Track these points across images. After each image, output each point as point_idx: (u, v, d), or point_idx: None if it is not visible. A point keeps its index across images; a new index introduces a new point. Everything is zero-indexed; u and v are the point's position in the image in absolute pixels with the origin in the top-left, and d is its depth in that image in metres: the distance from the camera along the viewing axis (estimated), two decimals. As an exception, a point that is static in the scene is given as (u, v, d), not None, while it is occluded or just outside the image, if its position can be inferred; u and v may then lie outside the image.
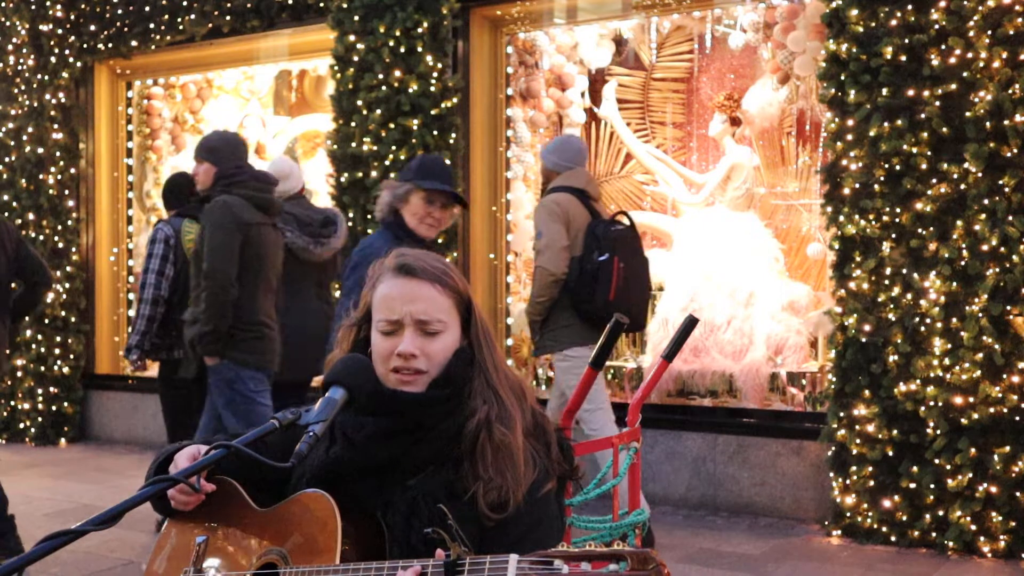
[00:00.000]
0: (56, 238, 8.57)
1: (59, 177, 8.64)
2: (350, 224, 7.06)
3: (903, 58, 5.30)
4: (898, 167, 5.30)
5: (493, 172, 7.25)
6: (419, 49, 6.84)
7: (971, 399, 5.08)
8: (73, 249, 8.65)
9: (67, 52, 8.66)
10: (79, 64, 8.68)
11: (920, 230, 5.25)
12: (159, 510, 1.91)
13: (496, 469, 1.73)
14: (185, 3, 8.03)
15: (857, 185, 5.40)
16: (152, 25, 8.22)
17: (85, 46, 8.61)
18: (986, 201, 5.08)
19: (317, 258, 5.62)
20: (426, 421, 1.79)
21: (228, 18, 7.85)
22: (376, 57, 6.92)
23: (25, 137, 8.68)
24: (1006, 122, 5.03)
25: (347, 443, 1.81)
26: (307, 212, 5.71)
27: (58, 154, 8.63)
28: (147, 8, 8.23)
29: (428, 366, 1.81)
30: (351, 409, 1.76)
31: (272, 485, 1.87)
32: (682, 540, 5.50)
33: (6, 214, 8.67)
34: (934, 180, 5.23)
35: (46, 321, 8.51)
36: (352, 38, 7.01)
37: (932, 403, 5.17)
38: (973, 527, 5.08)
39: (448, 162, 6.76)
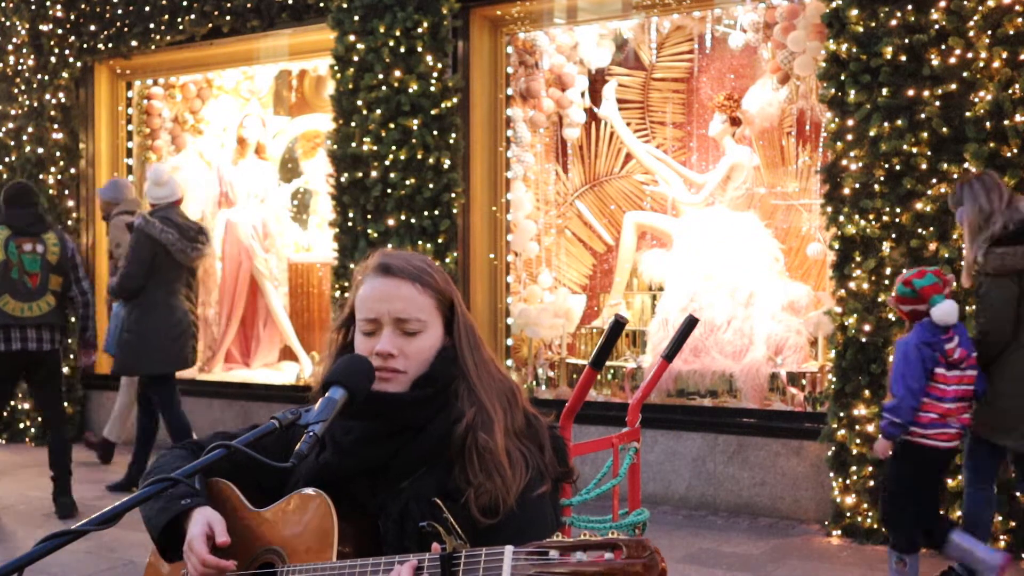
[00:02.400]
0: (56, 238, 8.58)
1: (59, 177, 8.64)
2: (350, 224, 7.07)
3: (903, 58, 5.30)
4: (898, 167, 5.30)
5: (493, 172, 7.24)
6: (419, 49, 6.84)
7: (971, 399, 5.07)
8: (73, 249, 8.65)
9: (67, 52, 8.66)
10: (79, 64, 8.68)
11: (920, 230, 5.25)
12: (161, 550, 1.85)
13: (485, 474, 1.71)
14: (185, 3, 8.03)
15: (857, 185, 5.40)
16: (152, 25, 8.22)
17: (85, 46, 8.61)
18: (986, 201, 5.08)
19: (191, 262, 6.51)
20: (413, 422, 1.78)
21: (228, 18, 7.85)
22: (376, 57, 6.92)
23: (25, 137, 8.68)
24: (1006, 122, 5.03)
25: (336, 448, 1.79)
26: (185, 221, 6.60)
27: (58, 154, 8.63)
28: (147, 8, 8.23)
29: (407, 366, 1.79)
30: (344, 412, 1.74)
31: (267, 489, 1.87)
32: (682, 540, 5.50)
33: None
34: (934, 180, 5.23)
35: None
36: (352, 38, 7.01)
37: (932, 403, 5.16)
38: (973, 527, 5.07)
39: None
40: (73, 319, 6.59)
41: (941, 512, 4.57)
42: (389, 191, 6.89)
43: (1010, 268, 4.35)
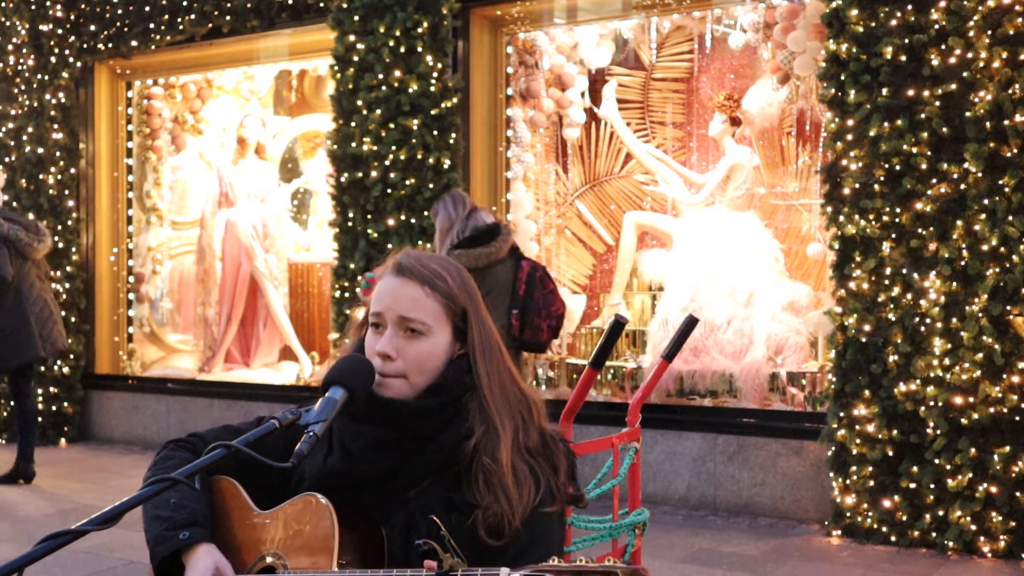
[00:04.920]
0: (56, 238, 8.56)
1: (59, 177, 8.64)
2: (350, 224, 7.07)
3: (903, 58, 5.30)
4: (898, 167, 5.30)
5: (493, 172, 7.24)
6: (419, 49, 6.84)
7: (971, 399, 5.08)
8: (73, 249, 8.65)
9: (67, 52, 8.66)
10: (79, 64, 8.68)
11: (920, 230, 5.25)
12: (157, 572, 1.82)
13: (492, 496, 1.69)
14: (185, 3, 8.03)
15: (857, 185, 5.40)
16: (152, 25, 8.22)
17: (85, 46, 8.61)
18: (986, 201, 5.08)
19: (38, 254, 6.92)
20: (423, 431, 1.76)
21: (228, 18, 7.85)
22: (376, 57, 6.92)
23: (25, 137, 8.69)
24: (1006, 122, 5.03)
25: (344, 453, 1.78)
26: (22, 218, 7.12)
27: (58, 154, 8.63)
28: (147, 8, 8.23)
29: (406, 369, 1.77)
30: (348, 414, 1.72)
31: (270, 487, 1.86)
32: (682, 540, 5.50)
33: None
34: (934, 180, 5.23)
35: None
36: (352, 38, 7.01)
37: (932, 403, 5.17)
38: (973, 527, 5.08)
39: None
40: None
41: None
42: (389, 191, 6.89)
43: (464, 267, 4.95)
